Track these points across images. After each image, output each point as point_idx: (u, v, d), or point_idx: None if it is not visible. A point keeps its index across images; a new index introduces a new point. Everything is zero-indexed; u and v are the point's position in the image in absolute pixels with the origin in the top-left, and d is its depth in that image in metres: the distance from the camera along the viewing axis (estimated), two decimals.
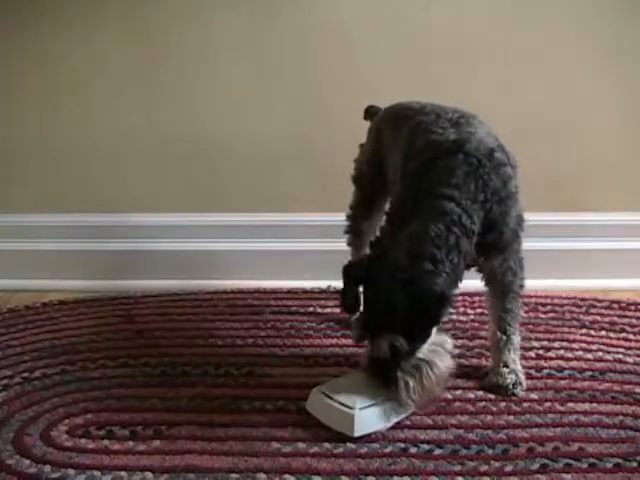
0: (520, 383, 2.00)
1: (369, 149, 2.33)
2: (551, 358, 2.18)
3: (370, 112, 2.40)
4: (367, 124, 2.39)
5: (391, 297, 1.75)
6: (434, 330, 1.84)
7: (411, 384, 1.81)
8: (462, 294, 2.53)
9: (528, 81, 2.70)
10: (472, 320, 2.41)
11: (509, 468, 1.69)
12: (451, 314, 2.45)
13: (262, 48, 2.76)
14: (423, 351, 1.82)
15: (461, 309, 2.50)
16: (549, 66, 2.69)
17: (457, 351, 2.21)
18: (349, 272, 1.86)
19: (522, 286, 2.03)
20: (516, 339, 2.04)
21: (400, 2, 2.71)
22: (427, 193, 1.85)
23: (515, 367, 2.02)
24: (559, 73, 2.70)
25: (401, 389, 1.81)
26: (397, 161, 2.07)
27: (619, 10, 2.67)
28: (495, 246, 1.92)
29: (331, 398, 1.85)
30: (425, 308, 1.76)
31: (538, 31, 2.68)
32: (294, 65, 2.76)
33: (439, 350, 1.85)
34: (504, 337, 2.03)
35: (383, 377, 1.83)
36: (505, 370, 2.01)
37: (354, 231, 2.42)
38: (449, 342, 1.88)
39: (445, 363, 1.85)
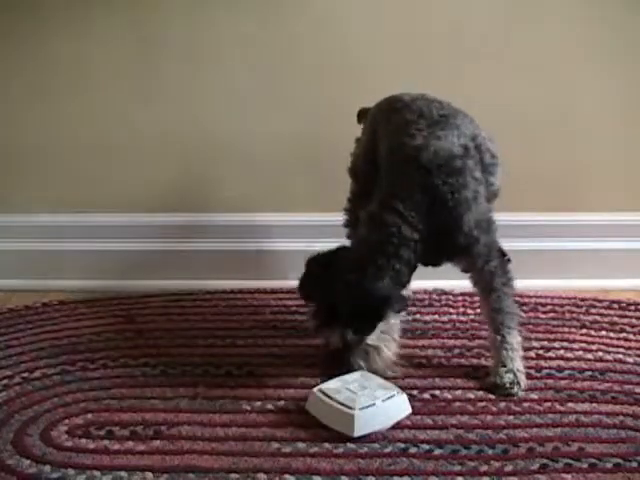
0: (518, 382, 1.99)
1: (364, 142, 2.37)
2: (551, 358, 2.18)
3: (363, 114, 2.44)
4: None
5: (340, 297, 1.93)
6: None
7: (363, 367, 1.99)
8: (462, 294, 2.54)
9: (528, 81, 2.69)
10: (472, 320, 2.41)
11: (509, 468, 1.69)
12: (449, 314, 2.46)
13: (262, 48, 2.76)
14: (372, 337, 1.98)
15: (461, 309, 2.50)
16: (549, 66, 2.69)
17: (457, 351, 2.23)
18: (310, 265, 2.04)
19: (506, 284, 2.06)
20: (513, 338, 2.05)
21: (400, 2, 2.72)
22: (380, 203, 2.02)
23: (513, 366, 2.02)
24: (559, 73, 2.69)
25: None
26: (382, 156, 2.18)
27: (619, 9, 2.67)
28: (453, 250, 2.04)
29: (331, 398, 1.85)
30: (369, 307, 1.93)
31: (538, 30, 2.68)
32: (294, 64, 2.76)
33: (386, 337, 2.00)
34: (498, 337, 2.04)
35: (338, 364, 1.98)
36: (503, 370, 2.01)
37: (352, 224, 2.43)
38: (397, 327, 2.05)
39: (391, 348, 2.02)
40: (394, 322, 2.02)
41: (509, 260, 2.09)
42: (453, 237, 1.99)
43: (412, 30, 2.71)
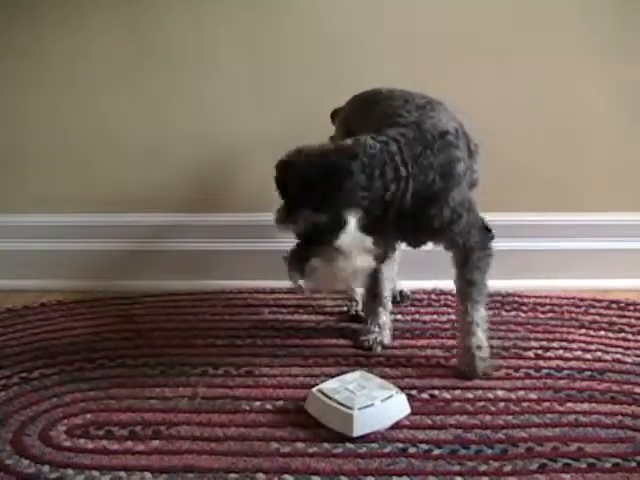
0: (482, 358, 2.06)
1: (339, 136, 2.36)
2: (550, 358, 2.17)
3: (337, 114, 2.47)
4: None
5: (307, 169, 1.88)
6: (354, 230, 1.90)
7: (320, 269, 1.92)
8: None
9: (527, 81, 2.69)
10: None
11: (508, 468, 1.69)
12: (448, 313, 2.46)
13: (255, 48, 2.75)
14: (342, 244, 1.90)
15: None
16: (549, 66, 2.68)
17: (456, 350, 2.22)
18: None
19: (482, 259, 2.07)
20: (477, 313, 2.07)
21: (390, 3, 2.72)
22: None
23: (473, 344, 2.06)
24: (559, 72, 2.69)
25: (309, 272, 1.92)
26: None
27: (620, 9, 2.67)
28: (436, 224, 1.99)
29: (330, 398, 1.85)
30: (331, 176, 1.85)
31: (538, 30, 2.68)
32: (287, 64, 2.76)
33: (358, 247, 1.92)
34: (462, 308, 2.09)
35: (298, 261, 1.93)
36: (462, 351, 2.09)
37: None
38: (369, 243, 1.94)
39: (361, 260, 1.94)
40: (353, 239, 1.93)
41: (492, 237, 2.08)
42: (440, 207, 1.97)
43: (403, 31, 2.70)
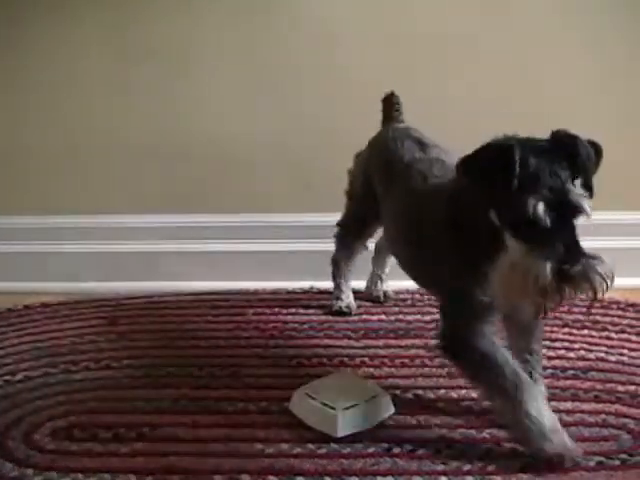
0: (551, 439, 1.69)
1: (361, 173, 2.35)
2: None
3: (389, 102, 2.38)
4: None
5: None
6: None
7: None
8: None
9: (527, 81, 2.70)
10: None
11: (492, 467, 1.69)
12: (432, 313, 2.46)
13: (246, 50, 2.76)
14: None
15: None
16: (548, 66, 2.69)
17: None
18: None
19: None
20: (541, 383, 1.88)
21: (385, 3, 2.72)
22: None
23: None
24: (559, 73, 2.70)
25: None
26: (404, 236, 2.07)
27: (620, 9, 2.68)
28: None
29: (314, 399, 1.86)
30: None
31: (537, 30, 2.69)
32: (278, 66, 2.76)
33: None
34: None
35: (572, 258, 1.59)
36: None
37: (344, 244, 2.49)
38: None
39: None
40: None
41: None
42: None
43: (398, 32, 2.71)
